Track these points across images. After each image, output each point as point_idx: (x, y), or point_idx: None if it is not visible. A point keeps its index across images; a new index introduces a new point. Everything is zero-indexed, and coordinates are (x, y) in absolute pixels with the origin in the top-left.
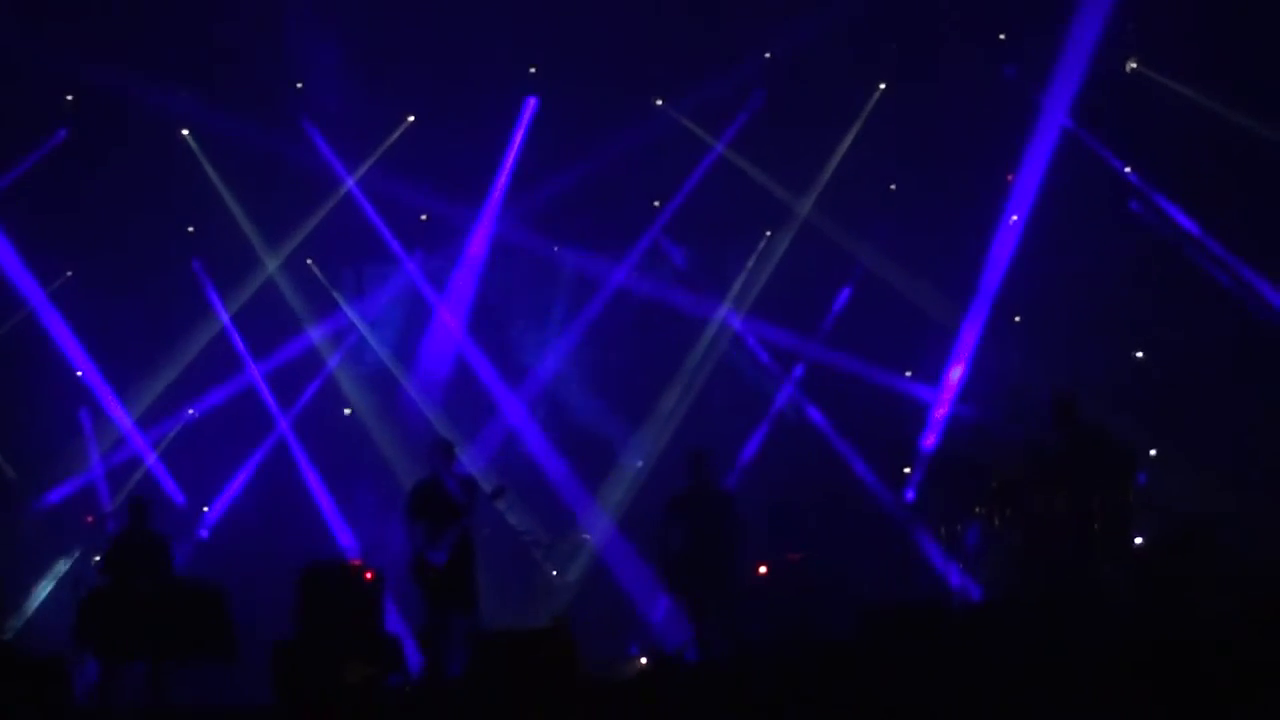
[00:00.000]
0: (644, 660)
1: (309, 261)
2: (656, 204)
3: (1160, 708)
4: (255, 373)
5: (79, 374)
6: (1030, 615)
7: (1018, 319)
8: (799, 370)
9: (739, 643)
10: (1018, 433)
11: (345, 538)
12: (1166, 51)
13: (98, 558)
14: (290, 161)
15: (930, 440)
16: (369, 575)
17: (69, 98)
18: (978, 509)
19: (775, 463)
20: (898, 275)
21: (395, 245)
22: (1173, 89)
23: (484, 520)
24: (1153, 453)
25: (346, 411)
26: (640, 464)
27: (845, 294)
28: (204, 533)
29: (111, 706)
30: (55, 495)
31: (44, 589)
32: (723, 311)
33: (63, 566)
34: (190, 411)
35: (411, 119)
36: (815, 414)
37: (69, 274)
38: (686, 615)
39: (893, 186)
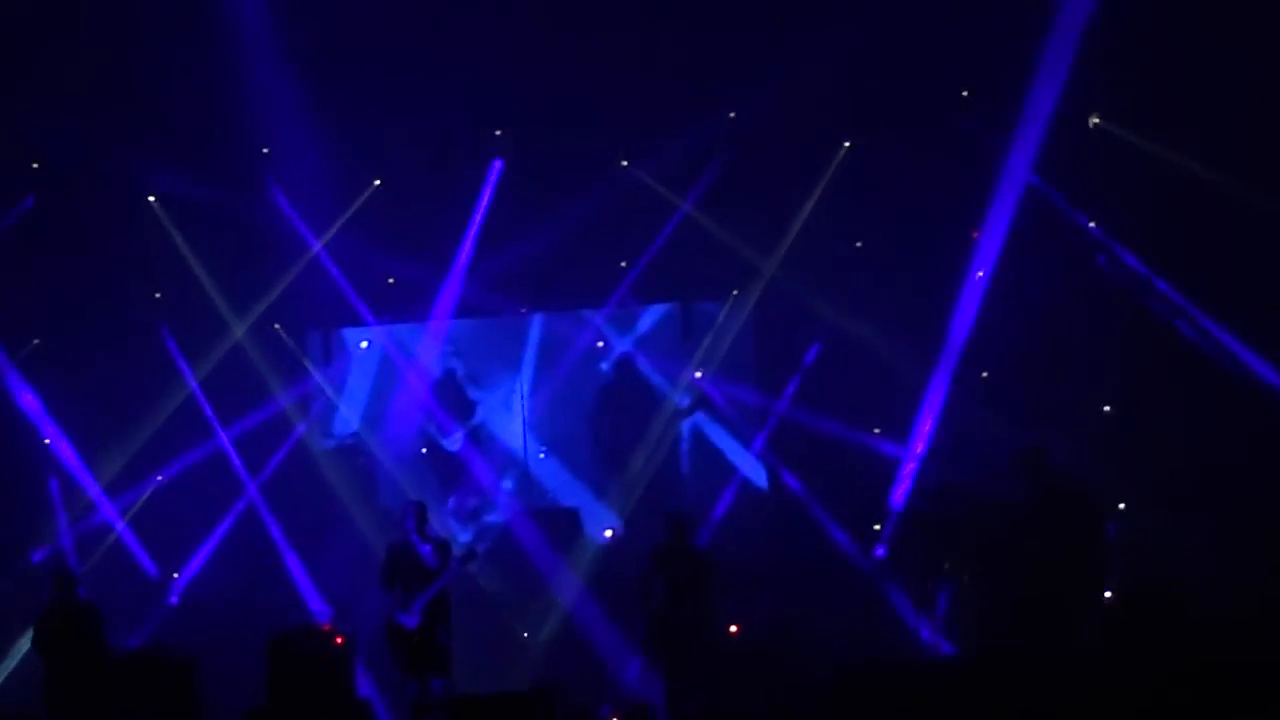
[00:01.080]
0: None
1: (276, 326)
2: (624, 264)
3: None
4: (224, 438)
5: (46, 441)
6: (1001, 671)
7: (985, 374)
8: (769, 428)
9: (711, 703)
10: (987, 488)
11: (316, 602)
12: (1129, 107)
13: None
14: (257, 226)
15: (900, 497)
16: (339, 640)
17: (35, 165)
18: (948, 565)
19: (745, 522)
20: (865, 332)
21: (362, 309)
22: (1136, 144)
23: (456, 583)
24: (1121, 506)
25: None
26: (609, 533)
27: (813, 351)
28: (174, 599)
29: None
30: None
31: (16, 655)
32: (690, 371)
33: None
34: (159, 478)
35: (378, 182)
36: (785, 473)
37: (35, 341)
38: (660, 674)
39: (859, 244)
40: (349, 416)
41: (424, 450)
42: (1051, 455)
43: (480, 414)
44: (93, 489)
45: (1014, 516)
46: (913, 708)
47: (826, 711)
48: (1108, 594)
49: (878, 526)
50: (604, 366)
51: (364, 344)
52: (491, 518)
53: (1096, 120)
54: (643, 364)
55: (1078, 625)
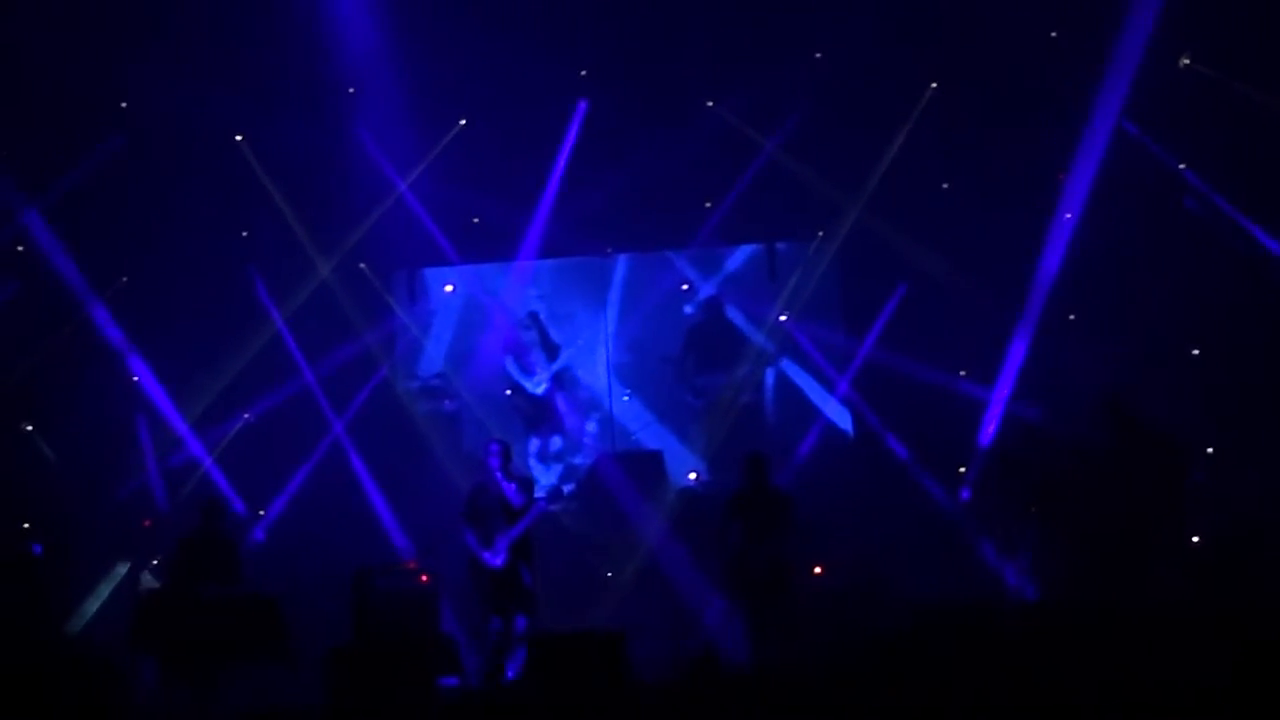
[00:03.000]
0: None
1: (362, 266)
2: (708, 205)
3: (1221, 707)
4: (310, 376)
5: (135, 379)
6: (1086, 615)
7: (1072, 317)
8: (853, 370)
9: (795, 645)
10: (1072, 432)
11: (400, 540)
12: (1219, 47)
13: (155, 560)
14: (343, 166)
15: (985, 440)
16: (424, 577)
17: (123, 104)
18: (1033, 508)
19: (829, 464)
20: (951, 274)
21: (447, 249)
22: (1226, 85)
23: (541, 522)
24: (1209, 451)
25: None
26: (693, 476)
27: (898, 294)
28: (260, 536)
29: (168, 708)
30: (115, 495)
31: (103, 590)
32: (774, 317)
33: (121, 569)
34: (245, 415)
35: (463, 123)
36: (870, 415)
37: (124, 279)
38: (742, 617)
39: (945, 185)
40: (434, 357)
41: (509, 392)
42: (1135, 401)
43: (565, 357)
44: (180, 426)
45: (1099, 461)
46: (996, 652)
47: (908, 655)
48: (1194, 539)
49: (962, 469)
50: (688, 308)
51: (449, 288)
52: (576, 460)
53: (1186, 61)
54: (727, 306)
55: (1163, 570)
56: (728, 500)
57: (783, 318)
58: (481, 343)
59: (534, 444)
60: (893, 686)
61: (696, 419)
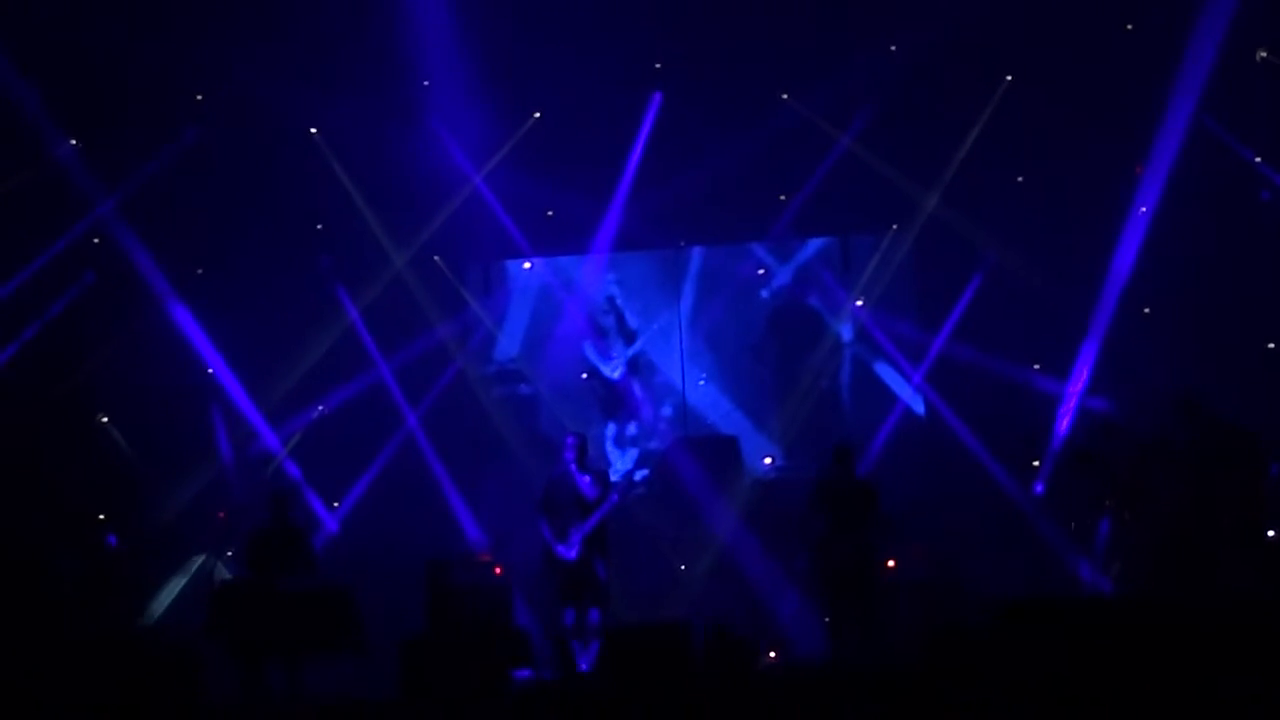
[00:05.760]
0: (773, 655)
1: (436, 259)
2: (783, 198)
3: None
4: (384, 369)
5: (210, 371)
6: (1161, 611)
7: (1147, 311)
8: (928, 362)
9: (873, 638)
10: (1147, 426)
11: (474, 533)
12: None
13: (230, 552)
14: (417, 159)
15: (1060, 433)
16: (498, 570)
17: (199, 97)
18: (1108, 503)
19: (904, 456)
20: (1025, 268)
21: (521, 242)
22: None
23: (614, 514)
24: None
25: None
26: (768, 460)
27: (973, 286)
28: (335, 527)
29: (243, 700)
30: (190, 487)
31: (177, 583)
32: (850, 305)
33: (196, 561)
34: (319, 408)
35: (537, 115)
36: (943, 407)
37: (199, 271)
38: (821, 608)
39: (1020, 179)
40: (509, 343)
41: (584, 376)
42: (1209, 397)
43: (640, 342)
44: (255, 418)
45: (1174, 455)
46: (1070, 646)
47: (983, 648)
48: (1270, 534)
49: (1037, 463)
50: (764, 294)
51: (527, 264)
52: (651, 444)
53: (1264, 54)
54: (803, 293)
55: (1238, 567)
56: (813, 490)
57: (859, 302)
58: (557, 330)
59: (610, 429)
60: (968, 681)
61: (773, 404)
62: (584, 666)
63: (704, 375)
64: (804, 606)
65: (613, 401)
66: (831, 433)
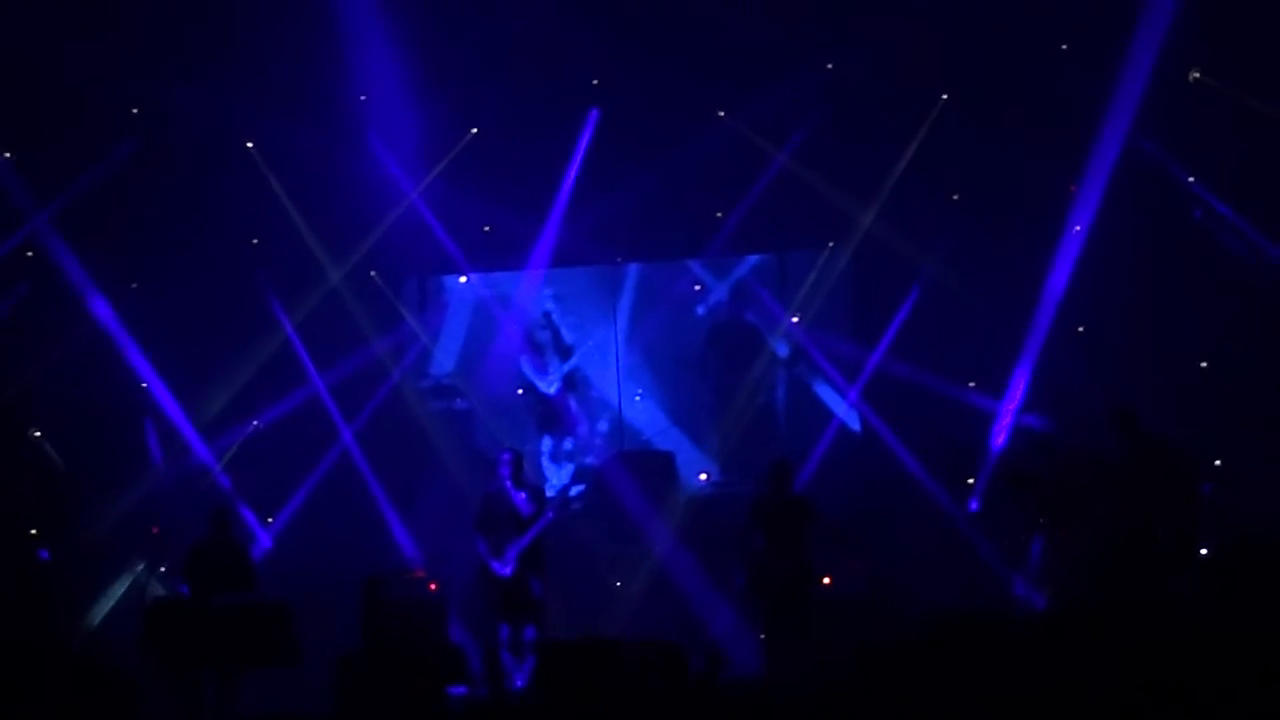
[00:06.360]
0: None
1: (372, 274)
2: (720, 215)
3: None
4: (319, 383)
5: (144, 385)
6: (1094, 626)
7: (1081, 329)
8: (864, 379)
9: (807, 654)
10: (1081, 443)
11: (410, 549)
12: (1229, 62)
13: (163, 567)
14: (353, 173)
15: (994, 450)
16: (433, 586)
17: (134, 110)
18: (1042, 519)
19: (839, 472)
20: (961, 285)
21: (458, 257)
22: (1235, 99)
23: (550, 530)
24: (1217, 463)
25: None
26: (704, 476)
27: (909, 304)
28: (269, 543)
29: (177, 716)
30: (123, 502)
31: (110, 599)
32: (787, 321)
33: (128, 577)
34: (255, 422)
35: (474, 131)
36: (879, 424)
37: (134, 285)
38: (757, 624)
39: (955, 196)
40: (444, 359)
41: (520, 391)
42: (1143, 413)
43: (576, 357)
44: (189, 433)
45: (1108, 472)
46: (1004, 662)
47: (917, 664)
48: (1203, 550)
49: (971, 480)
50: (701, 311)
51: (463, 279)
52: (587, 460)
53: (1197, 75)
54: (740, 309)
55: (1172, 581)
56: (751, 506)
57: (795, 319)
58: (493, 345)
59: (547, 444)
60: (901, 697)
61: (710, 420)
62: (519, 683)
63: (640, 391)
64: (739, 622)
65: (549, 417)
66: (767, 449)
